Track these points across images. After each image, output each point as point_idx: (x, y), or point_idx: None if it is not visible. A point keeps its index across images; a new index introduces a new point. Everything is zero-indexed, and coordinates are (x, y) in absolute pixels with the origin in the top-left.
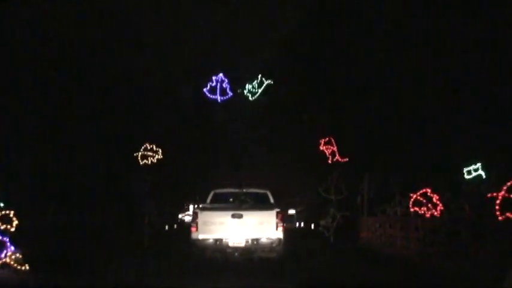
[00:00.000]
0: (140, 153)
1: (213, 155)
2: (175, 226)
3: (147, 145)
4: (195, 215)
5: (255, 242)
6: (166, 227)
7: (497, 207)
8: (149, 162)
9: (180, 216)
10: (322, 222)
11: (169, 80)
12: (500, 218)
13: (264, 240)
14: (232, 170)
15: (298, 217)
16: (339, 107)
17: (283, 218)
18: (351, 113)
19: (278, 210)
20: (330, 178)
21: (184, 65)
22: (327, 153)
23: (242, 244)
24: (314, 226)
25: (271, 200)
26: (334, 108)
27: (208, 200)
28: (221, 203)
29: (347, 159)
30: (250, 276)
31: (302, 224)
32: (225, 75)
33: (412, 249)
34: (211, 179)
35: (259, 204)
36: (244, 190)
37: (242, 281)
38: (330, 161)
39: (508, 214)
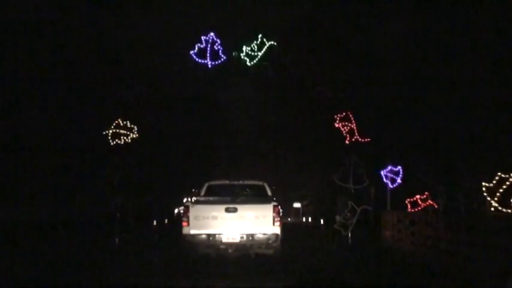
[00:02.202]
0: (111, 131)
1: (210, 139)
2: (166, 221)
3: (120, 121)
4: (186, 209)
5: (250, 238)
6: (154, 222)
7: None
8: (122, 141)
9: (176, 210)
10: (338, 218)
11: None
12: None
13: (259, 235)
14: (231, 161)
15: (305, 211)
16: (357, 78)
17: (279, 212)
18: (371, 85)
19: (275, 203)
20: (347, 162)
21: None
22: (344, 132)
23: (236, 240)
24: (324, 221)
25: (269, 193)
26: (351, 79)
27: (202, 193)
28: (215, 196)
29: (368, 139)
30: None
31: (310, 219)
32: (217, 36)
33: (463, 256)
34: (208, 168)
35: (255, 197)
36: (240, 182)
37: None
38: (347, 141)
39: None
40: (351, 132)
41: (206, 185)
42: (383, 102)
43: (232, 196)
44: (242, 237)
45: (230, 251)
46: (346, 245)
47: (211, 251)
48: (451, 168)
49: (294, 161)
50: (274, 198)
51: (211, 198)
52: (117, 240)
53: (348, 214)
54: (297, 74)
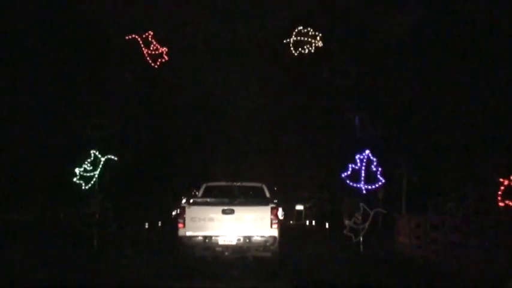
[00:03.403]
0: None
1: (210, 138)
2: (159, 223)
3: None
4: (182, 210)
5: (247, 240)
6: (147, 225)
7: None
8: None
9: (175, 212)
10: (347, 222)
11: None
12: None
13: (257, 238)
14: (231, 162)
15: (307, 214)
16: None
17: (277, 214)
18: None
19: (273, 205)
20: (359, 159)
21: None
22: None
23: (233, 242)
24: (329, 225)
25: (267, 194)
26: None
27: (200, 194)
28: (213, 197)
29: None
30: None
31: (313, 223)
32: None
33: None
34: (207, 169)
35: (252, 198)
36: (238, 183)
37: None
38: (358, 133)
39: None
40: (361, 123)
41: (204, 186)
42: (399, 94)
43: (229, 198)
44: (239, 240)
45: (226, 253)
46: (358, 253)
47: (208, 253)
48: (482, 164)
49: (297, 160)
50: (276, 201)
51: (208, 200)
52: (95, 242)
53: (359, 218)
54: (303, 60)
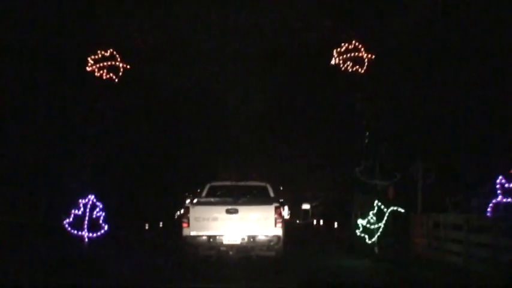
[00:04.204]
0: None
1: (214, 137)
2: (160, 224)
3: None
4: (186, 210)
5: (252, 240)
6: (147, 226)
7: None
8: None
9: (178, 212)
10: (360, 222)
11: None
12: None
13: (261, 237)
14: (237, 160)
15: (314, 213)
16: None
17: (281, 213)
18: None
19: (277, 205)
20: (373, 150)
21: None
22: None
23: (237, 242)
24: (338, 225)
25: (271, 194)
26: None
27: (204, 194)
28: (217, 197)
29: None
30: None
31: (321, 222)
32: None
33: None
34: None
35: (256, 198)
36: (242, 183)
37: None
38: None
39: None
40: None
41: (208, 185)
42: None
43: (233, 197)
44: (243, 239)
45: (231, 253)
46: (372, 255)
47: (212, 253)
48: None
49: (305, 157)
50: (281, 200)
51: (212, 199)
52: (86, 244)
53: (374, 217)
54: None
